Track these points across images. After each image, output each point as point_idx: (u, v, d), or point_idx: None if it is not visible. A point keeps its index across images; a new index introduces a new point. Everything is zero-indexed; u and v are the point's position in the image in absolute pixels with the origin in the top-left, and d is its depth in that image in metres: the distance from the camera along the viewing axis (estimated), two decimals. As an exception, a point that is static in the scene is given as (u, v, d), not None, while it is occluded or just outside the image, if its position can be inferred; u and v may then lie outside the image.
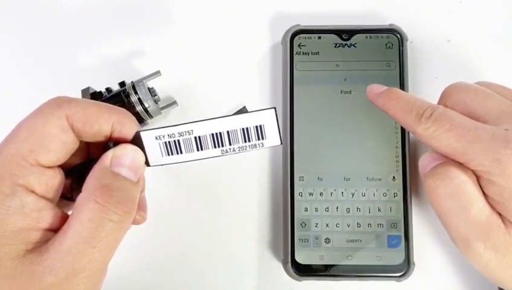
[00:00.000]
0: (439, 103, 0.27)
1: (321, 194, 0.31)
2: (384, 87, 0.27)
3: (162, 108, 0.32)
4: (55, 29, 0.35)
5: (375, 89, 0.27)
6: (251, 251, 0.32)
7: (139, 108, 0.30)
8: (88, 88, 0.30)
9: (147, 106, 0.30)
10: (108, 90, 0.31)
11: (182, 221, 0.32)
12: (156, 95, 0.31)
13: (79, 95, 0.30)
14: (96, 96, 0.30)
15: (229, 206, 0.32)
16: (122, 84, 0.31)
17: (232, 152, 0.22)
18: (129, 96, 0.30)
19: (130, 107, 0.30)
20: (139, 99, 0.30)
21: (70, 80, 0.34)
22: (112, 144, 0.22)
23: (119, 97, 0.30)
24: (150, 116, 0.31)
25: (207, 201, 0.32)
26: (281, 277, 0.31)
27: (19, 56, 0.35)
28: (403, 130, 0.31)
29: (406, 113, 0.25)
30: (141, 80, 0.31)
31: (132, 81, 0.31)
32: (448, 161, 0.24)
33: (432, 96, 0.34)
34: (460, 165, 0.23)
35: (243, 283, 0.31)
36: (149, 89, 0.31)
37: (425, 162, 0.25)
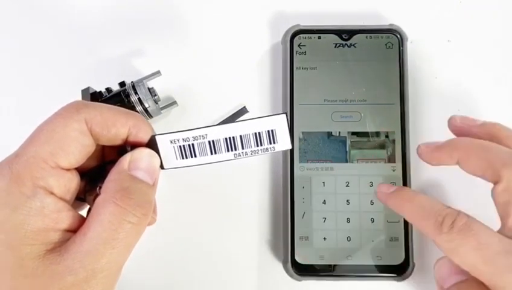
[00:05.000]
0: (445, 149, 0.26)
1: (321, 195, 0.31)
2: (394, 187, 0.27)
3: (162, 108, 0.32)
4: (56, 29, 0.35)
5: (384, 188, 0.27)
6: (251, 251, 0.32)
7: (139, 108, 0.31)
8: (88, 88, 0.31)
9: (147, 106, 0.31)
10: (108, 90, 0.31)
11: (182, 221, 0.33)
12: (156, 95, 0.32)
13: (79, 95, 0.30)
14: (96, 96, 0.31)
15: (229, 206, 0.33)
16: (122, 84, 0.31)
17: (244, 156, 0.24)
18: (129, 96, 0.30)
19: (130, 107, 0.31)
20: (139, 99, 0.30)
21: (70, 79, 0.34)
22: (129, 148, 0.23)
23: (119, 97, 0.31)
24: (150, 116, 0.31)
25: (207, 201, 0.33)
26: (281, 277, 0.31)
27: (19, 56, 0.35)
28: (402, 129, 0.31)
29: (422, 218, 0.24)
30: (141, 80, 0.31)
31: (132, 81, 0.31)
32: (472, 279, 0.23)
33: (432, 96, 0.34)
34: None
35: (243, 283, 0.32)
36: (149, 89, 0.31)
37: (443, 274, 0.24)
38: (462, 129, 0.28)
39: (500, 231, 0.24)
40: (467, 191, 0.32)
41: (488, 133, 0.26)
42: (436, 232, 0.23)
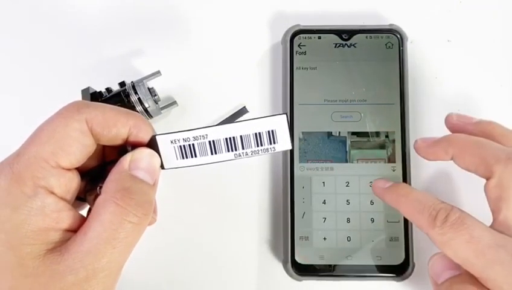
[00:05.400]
0: (441, 145, 0.27)
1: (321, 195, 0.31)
2: (390, 182, 0.27)
3: (162, 108, 0.33)
4: (55, 29, 0.35)
5: (381, 184, 0.28)
6: (251, 251, 0.32)
7: (139, 108, 0.31)
8: (88, 88, 0.31)
9: (147, 106, 0.31)
10: (108, 90, 0.31)
11: (182, 221, 0.33)
12: (156, 95, 0.32)
13: (79, 95, 0.31)
14: (96, 96, 0.31)
15: (229, 206, 0.33)
16: (122, 84, 0.31)
17: (245, 156, 0.24)
18: (129, 96, 0.31)
19: (130, 107, 0.31)
20: (139, 99, 0.30)
21: (70, 79, 0.34)
22: (130, 148, 0.24)
23: (119, 97, 0.31)
24: (150, 116, 0.32)
25: (207, 201, 0.33)
26: (281, 277, 0.31)
27: (19, 56, 0.35)
28: (402, 129, 0.31)
29: (417, 213, 0.25)
30: (141, 80, 0.31)
31: (132, 81, 0.31)
32: (465, 273, 0.24)
33: (432, 96, 0.34)
34: (480, 286, 0.23)
35: (243, 283, 0.32)
36: (149, 89, 0.31)
37: (437, 269, 0.25)
38: (457, 127, 0.28)
39: (491, 226, 0.24)
40: (467, 191, 0.32)
41: (483, 131, 0.27)
42: (430, 226, 0.24)
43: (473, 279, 0.23)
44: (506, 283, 0.22)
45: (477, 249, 0.22)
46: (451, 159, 0.27)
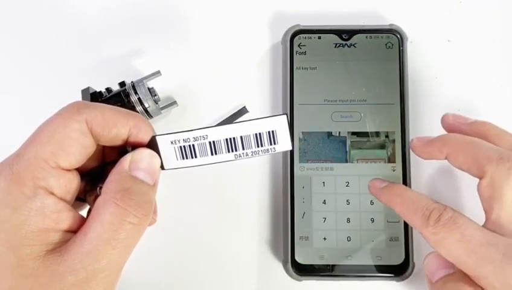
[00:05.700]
0: (435, 144, 0.27)
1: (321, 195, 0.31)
2: (386, 182, 0.28)
3: (162, 108, 0.33)
4: (55, 29, 0.35)
5: (377, 184, 0.28)
6: (251, 251, 0.32)
7: (139, 108, 0.31)
8: (88, 88, 0.31)
9: (147, 106, 0.31)
10: (108, 90, 0.31)
11: (182, 221, 0.33)
12: (156, 95, 0.32)
13: (79, 95, 0.31)
14: (96, 96, 0.31)
15: (229, 206, 0.33)
16: (122, 84, 0.31)
17: (245, 156, 0.24)
18: (129, 96, 0.31)
19: (130, 107, 0.31)
20: (139, 99, 0.30)
21: (70, 79, 0.34)
22: (130, 148, 0.24)
23: (119, 97, 0.31)
24: (150, 116, 0.32)
25: (207, 201, 0.33)
26: (281, 277, 0.31)
27: (19, 56, 0.35)
28: (402, 129, 0.31)
29: (411, 212, 0.25)
30: (141, 80, 0.31)
31: (132, 81, 0.31)
32: (459, 272, 0.24)
33: (432, 96, 0.34)
34: (473, 284, 0.23)
35: (243, 283, 0.32)
36: (149, 89, 0.31)
37: (432, 268, 0.25)
38: (452, 126, 0.29)
39: (484, 225, 0.25)
40: (467, 191, 0.32)
41: (477, 132, 0.27)
42: (423, 225, 0.24)
43: (467, 277, 0.24)
44: (498, 280, 0.22)
45: (468, 248, 0.23)
46: (446, 158, 0.27)
